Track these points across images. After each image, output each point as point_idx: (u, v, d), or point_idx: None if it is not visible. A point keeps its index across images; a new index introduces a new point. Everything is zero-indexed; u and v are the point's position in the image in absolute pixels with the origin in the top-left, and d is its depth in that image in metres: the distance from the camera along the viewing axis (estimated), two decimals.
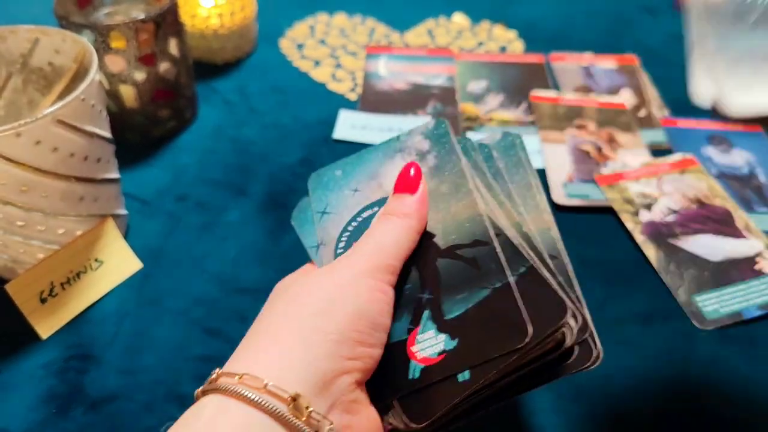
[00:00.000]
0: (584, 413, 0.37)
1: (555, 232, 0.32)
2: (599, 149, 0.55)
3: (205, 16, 0.63)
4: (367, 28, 0.74)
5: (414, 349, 0.29)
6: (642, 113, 0.60)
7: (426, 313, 0.30)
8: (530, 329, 0.27)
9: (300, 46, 0.71)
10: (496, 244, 0.30)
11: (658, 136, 0.57)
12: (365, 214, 0.34)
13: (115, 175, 0.44)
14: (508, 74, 0.65)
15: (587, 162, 0.54)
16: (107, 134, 0.42)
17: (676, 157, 0.54)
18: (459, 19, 0.76)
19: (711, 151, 0.56)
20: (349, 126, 0.58)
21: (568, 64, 0.67)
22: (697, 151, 0.55)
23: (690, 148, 0.56)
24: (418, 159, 0.35)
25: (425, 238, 0.32)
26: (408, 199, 0.32)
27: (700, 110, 0.60)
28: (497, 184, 0.34)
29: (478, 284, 0.29)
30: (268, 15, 0.72)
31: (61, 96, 0.44)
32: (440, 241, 0.32)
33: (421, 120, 0.59)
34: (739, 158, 0.55)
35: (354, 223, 0.34)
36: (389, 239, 0.30)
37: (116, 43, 0.49)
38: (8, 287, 0.39)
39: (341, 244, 0.33)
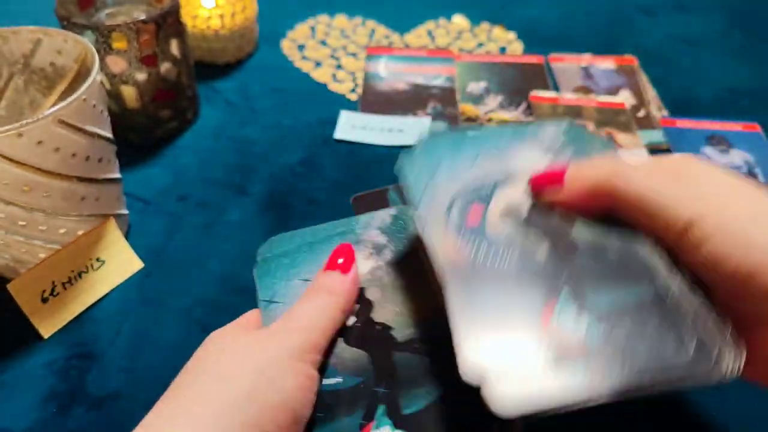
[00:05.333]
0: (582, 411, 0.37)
1: None
2: None
3: (206, 17, 0.63)
4: (367, 30, 0.74)
5: None
6: (641, 114, 0.60)
7: (381, 408, 0.28)
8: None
9: (301, 47, 0.71)
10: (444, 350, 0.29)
11: (657, 136, 0.58)
12: None
13: (117, 175, 0.44)
14: (507, 75, 0.66)
15: None
16: (109, 134, 0.42)
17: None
18: (459, 20, 0.76)
19: (710, 151, 0.56)
20: (349, 126, 0.58)
21: (567, 64, 0.67)
22: (696, 151, 0.55)
23: (689, 148, 0.56)
24: (374, 252, 0.34)
25: (382, 331, 0.31)
26: (338, 277, 0.32)
27: (699, 110, 0.61)
28: None
29: (432, 382, 0.28)
30: (269, 16, 0.73)
31: (63, 96, 0.45)
32: (398, 334, 0.31)
33: (421, 120, 0.59)
34: (737, 158, 0.55)
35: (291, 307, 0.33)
36: (316, 315, 0.30)
37: (118, 43, 0.49)
38: (10, 287, 0.39)
39: None
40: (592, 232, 0.29)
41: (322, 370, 0.30)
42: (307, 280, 0.34)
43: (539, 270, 0.27)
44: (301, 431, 0.27)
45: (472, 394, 0.24)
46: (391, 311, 0.32)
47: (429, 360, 0.29)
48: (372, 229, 0.36)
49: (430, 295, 0.31)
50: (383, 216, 0.36)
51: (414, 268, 0.33)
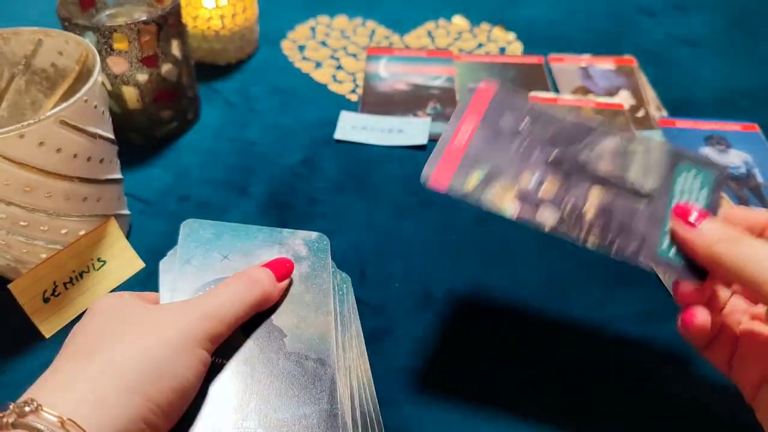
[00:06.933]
0: (582, 410, 0.37)
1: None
2: None
3: (207, 18, 0.63)
4: (367, 30, 0.74)
5: None
6: (640, 114, 0.61)
7: (252, 405, 0.30)
8: None
9: (301, 48, 0.71)
10: (336, 369, 0.32)
11: (656, 136, 0.58)
12: None
13: (118, 175, 0.44)
14: (507, 75, 0.66)
15: None
16: (110, 135, 0.42)
17: None
18: (459, 21, 0.76)
19: (708, 151, 0.56)
20: (349, 127, 0.59)
21: (566, 65, 0.67)
22: (694, 151, 0.55)
23: (688, 148, 0.56)
24: (294, 260, 0.36)
25: (277, 336, 0.33)
26: (268, 274, 0.34)
27: (698, 110, 0.61)
28: (347, 323, 0.36)
29: (307, 398, 0.31)
30: (270, 17, 0.73)
31: (64, 97, 0.45)
32: (288, 342, 0.33)
33: (421, 120, 0.59)
34: (736, 158, 0.55)
35: (213, 286, 0.34)
36: (228, 305, 0.31)
37: (119, 44, 0.49)
38: (12, 286, 0.39)
39: None
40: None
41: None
42: (225, 257, 0.36)
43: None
44: (187, 406, 0.29)
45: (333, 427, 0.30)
46: (290, 320, 0.34)
47: (307, 377, 0.32)
48: (297, 239, 0.38)
49: (327, 320, 0.34)
50: (309, 233, 0.38)
51: (322, 290, 0.36)
